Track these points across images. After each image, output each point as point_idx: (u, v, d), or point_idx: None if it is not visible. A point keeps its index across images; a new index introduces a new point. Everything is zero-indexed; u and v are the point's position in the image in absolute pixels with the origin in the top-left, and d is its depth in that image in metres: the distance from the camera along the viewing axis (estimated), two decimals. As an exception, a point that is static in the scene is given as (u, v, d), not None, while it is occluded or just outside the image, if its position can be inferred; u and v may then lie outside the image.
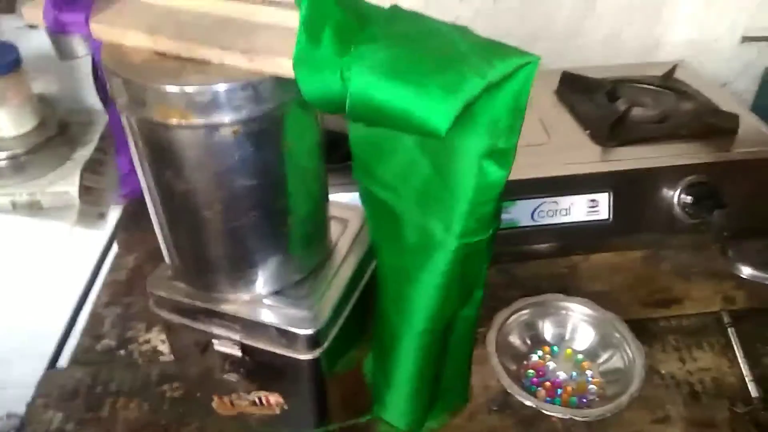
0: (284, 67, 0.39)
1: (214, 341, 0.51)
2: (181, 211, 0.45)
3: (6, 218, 0.94)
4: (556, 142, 0.84)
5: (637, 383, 0.66)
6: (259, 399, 0.54)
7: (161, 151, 0.42)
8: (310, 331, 0.48)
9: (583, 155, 0.83)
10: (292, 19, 0.41)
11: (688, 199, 0.75)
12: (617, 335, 0.73)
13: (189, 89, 0.38)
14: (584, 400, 0.69)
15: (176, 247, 0.49)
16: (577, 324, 0.76)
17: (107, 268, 0.91)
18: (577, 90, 0.95)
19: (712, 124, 0.83)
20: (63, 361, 0.80)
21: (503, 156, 0.41)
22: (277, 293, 0.50)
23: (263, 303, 0.49)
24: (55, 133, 0.93)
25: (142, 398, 0.72)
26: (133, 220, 0.96)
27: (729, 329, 0.76)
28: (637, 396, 0.66)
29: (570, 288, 0.81)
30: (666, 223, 0.80)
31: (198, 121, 0.39)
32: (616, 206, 0.78)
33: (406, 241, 0.48)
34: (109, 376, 0.74)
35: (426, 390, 0.53)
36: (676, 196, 0.77)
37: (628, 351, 0.71)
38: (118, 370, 0.75)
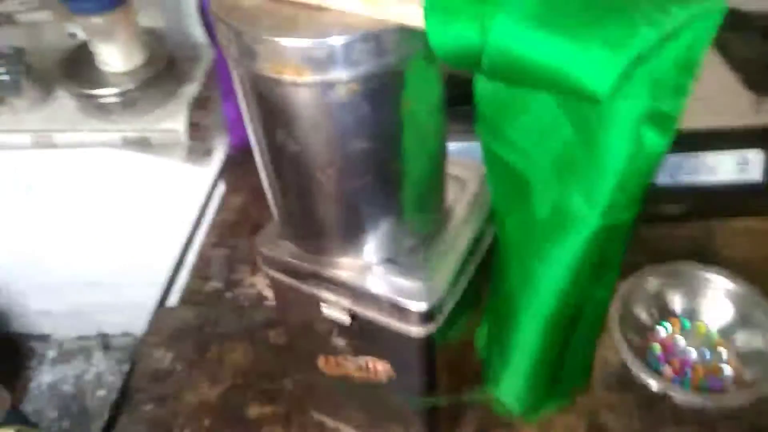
0: (411, 15, 0.33)
1: (322, 305, 0.48)
2: (291, 172, 0.41)
3: (117, 153, 0.96)
4: (701, 89, 0.74)
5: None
6: (367, 364, 0.52)
7: (272, 108, 0.38)
8: (422, 306, 0.44)
9: (733, 105, 0.72)
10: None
11: None
12: (760, 312, 0.64)
13: (304, 42, 0.33)
14: (717, 384, 0.63)
15: (286, 208, 0.46)
16: (713, 297, 0.68)
17: (214, 206, 0.91)
18: (727, 27, 0.82)
19: None
20: (173, 299, 0.82)
21: (666, 121, 0.34)
22: (389, 260, 0.46)
23: (374, 271, 0.46)
24: (163, 68, 0.93)
25: (248, 342, 0.72)
26: (239, 159, 0.96)
27: None
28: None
29: (706, 256, 0.73)
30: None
31: (313, 77, 0.35)
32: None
33: (536, 214, 0.42)
34: (215, 318, 0.75)
35: (547, 374, 0.49)
36: None
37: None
38: (225, 313, 0.76)
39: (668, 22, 0.30)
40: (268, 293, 0.77)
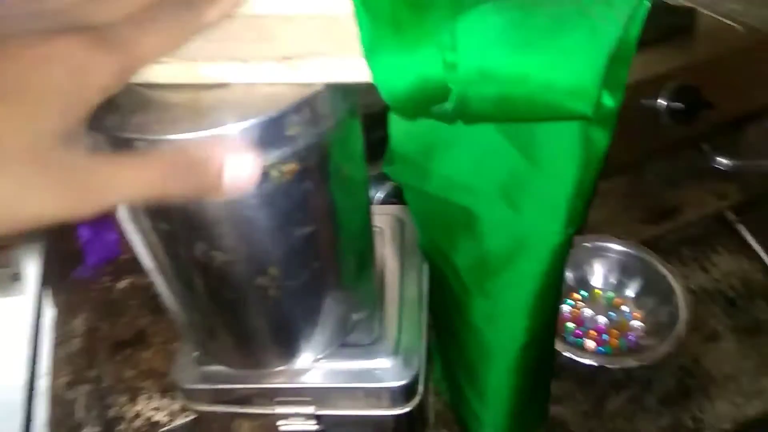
0: (343, 69, 0.28)
1: (279, 422, 0.40)
2: (220, 288, 0.34)
3: None
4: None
5: (685, 308, 0.64)
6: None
7: (185, 221, 0.30)
8: (404, 383, 0.39)
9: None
10: (308, 1, 0.30)
11: (677, 104, 0.71)
12: (636, 261, 0.69)
13: (228, 130, 0.27)
14: (632, 338, 0.66)
15: (213, 330, 0.37)
16: (594, 261, 0.72)
17: (49, 339, 0.75)
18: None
19: (671, 25, 0.79)
20: (36, 466, 0.66)
21: (609, 117, 0.33)
22: (344, 346, 0.40)
23: (336, 363, 0.40)
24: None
25: (156, 484, 0.60)
26: (63, 274, 0.80)
27: (738, 226, 0.75)
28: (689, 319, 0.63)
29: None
30: (650, 135, 0.77)
31: (243, 169, 0.28)
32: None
33: (489, 244, 0.40)
34: (107, 471, 0.62)
35: (526, 401, 0.47)
36: (661, 104, 0.73)
37: (658, 274, 0.68)
38: (116, 460, 0.62)
39: (620, 16, 0.29)
40: (160, 416, 0.65)
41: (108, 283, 0.78)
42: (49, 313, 0.78)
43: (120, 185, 0.25)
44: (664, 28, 0.79)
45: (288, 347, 0.38)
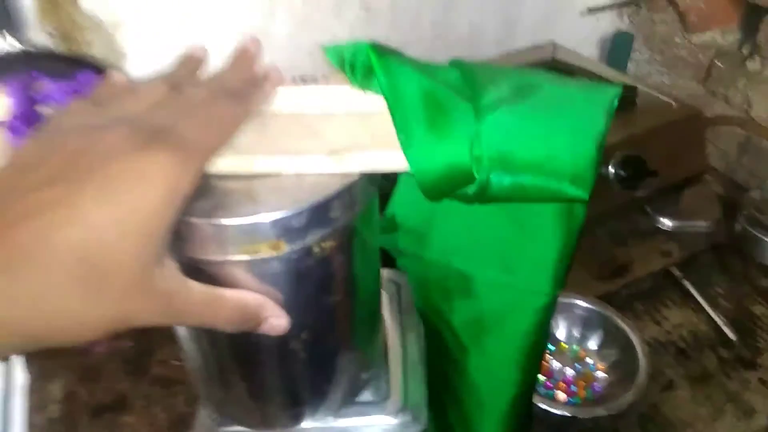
0: (381, 160, 0.33)
1: (297, 479, 0.43)
2: (254, 351, 0.37)
3: None
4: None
5: (643, 359, 0.69)
6: None
7: (230, 291, 0.33)
8: (414, 436, 0.42)
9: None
10: (346, 100, 0.35)
11: (623, 173, 0.79)
12: (596, 316, 0.75)
13: (281, 214, 0.30)
14: (597, 388, 0.71)
15: (237, 391, 0.40)
16: (558, 317, 0.77)
17: (21, 406, 0.74)
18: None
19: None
20: None
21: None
22: (355, 404, 0.43)
23: (349, 420, 0.43)
24: None
25: None
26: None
27: (683, 281, 0.83)
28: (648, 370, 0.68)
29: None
30: (600, 199, 0.84)
31: (291, 247, 0.32)
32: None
33: (484, 304, 0.45)
34: None
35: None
36: (610, 172, 0.81)
37: (617, 328, 0.74)
38: None
39: (601, 114, 0.35)
40: (146, 482, 0.65)
41: (84, 346, 0.78)
42: (20, 380, 0.77)
43: (200, 314, 0.29)
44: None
45: (306, 406, 0.41)
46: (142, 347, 0.77)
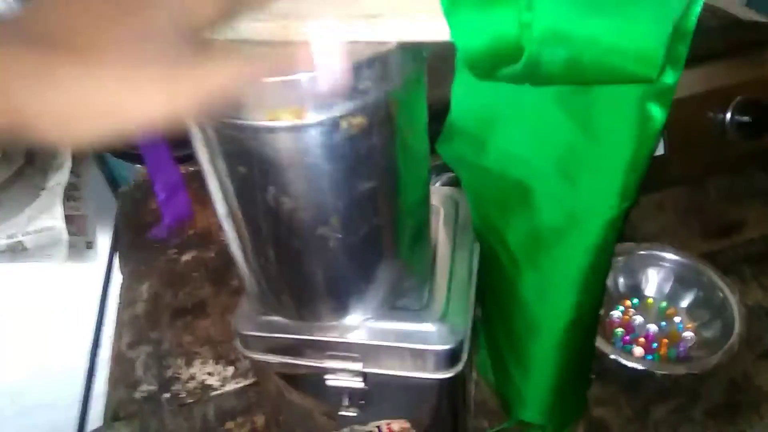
0: (421, 29, 0.30)
1: (327, 376, 0.42)
2: (286, 234, 0.36)
3: (-13, 268, 0.81)
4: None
5: (739, 321, 0.62)
6: (378, 428, 0.47)
7: (259, 164, 0.33)
8: (448, 347, 0.40)
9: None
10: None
11: (745, 119, 0.70)
12: (692, 273, 0.69)
13: (304, 77, 0.29)
14: (682, 349, 0.65)
15: (275, 277, 0.40)
16: (649, 270, 0.71)
17: (115, 303, 0.80)
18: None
19: (743, 39, 0.78)
20: (94, 420, 0.70)
21: (666, 93, 0.34)
22: (394, 308, 0.42)
23: (386, 324, 0.41)
24: (23, 162, 0.80)
25: (205, 443, 0.63)
26: (134, 243, 0.85)
27: (802, 247, 0.73)
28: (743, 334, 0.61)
29: (628, 233, 0.76)
30: (715, 149, 0.76)
31: (316, 117, 0.30)
32: (672, 139, 0.73)
33: (543, 220, 0.41)
34: (158, 428, 0.65)
35: (570, 384, 0.47)
36: (728, 117, 0.72)
37: (714, 287, 0.67)
38: (168, 418, 0.66)
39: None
40: (213, 380, 0.68)
41: (174, 255, 0.83)
42: (118, 280, 0.83)
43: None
44: (734, 41, 0.78)
45: (342, 302, 0.41)
46: (227, 259, 0.80)
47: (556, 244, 0.41)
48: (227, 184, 0.35)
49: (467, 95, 0.39)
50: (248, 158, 0.33)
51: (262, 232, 0.37)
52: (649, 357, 0.64)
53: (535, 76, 0.31)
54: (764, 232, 0.76)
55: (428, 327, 0.41)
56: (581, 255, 0.40)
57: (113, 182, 0.98)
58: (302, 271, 0.39)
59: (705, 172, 0.79)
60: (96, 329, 0.78)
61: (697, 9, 0.31)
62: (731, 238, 0.76)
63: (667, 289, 0.70)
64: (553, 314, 0.43)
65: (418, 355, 0.40)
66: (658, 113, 0.35)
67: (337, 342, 0.41)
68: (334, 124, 0.31)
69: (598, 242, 0.39)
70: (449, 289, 0.44)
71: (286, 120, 0.30)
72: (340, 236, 0.36)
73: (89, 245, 0.90)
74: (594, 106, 0.36)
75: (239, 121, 0.31)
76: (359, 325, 0.41)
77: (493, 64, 0.31)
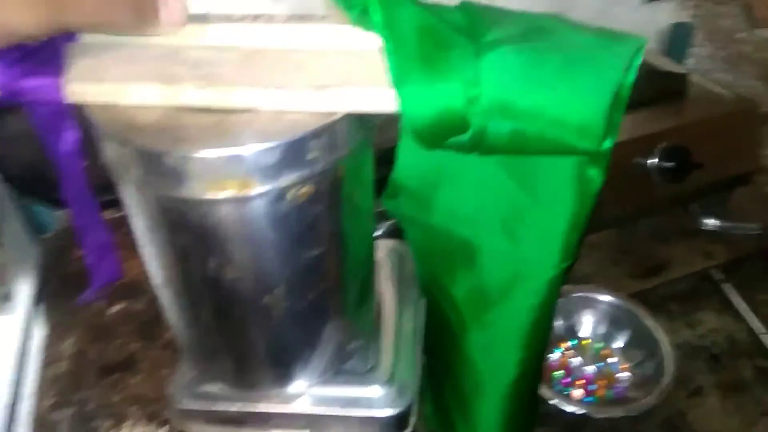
0: (370, 99, 0.30)
1: (272, 446, 0.41)
2: (228, 304, 0.35)
3: None
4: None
5: (670, 361, 0.64)
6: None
7: (202, 236, 0.31)
8: (397, 411, 0.40)
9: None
10: (340, 38, 0.33)
11: (669, 164, 0.74)
12: (624, 314, 0.71)
13: (251, 149, 0.28)
14: (619, 390, 0.67)
15: (215, 346, 0.38)
16: (584, 312, 0.73)
17: (36, 360, 0.75)
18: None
19: (663, 88, 0.83)
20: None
21: (604, 157, 0.35)
22: (340, 373, 0.41)
23: (331, 389, 0.40)
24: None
25: None
26: (57, 294, 0.80)
27: (723, 285, 0.77)
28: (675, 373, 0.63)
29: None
30: (642, 192, 0.79)
31: (262, 188, 0.29)
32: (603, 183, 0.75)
33: (488, 277, 0.41)
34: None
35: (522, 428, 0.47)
36: (652, 163, 0.76)
37: (645, 327, 0.69)
38: (96, 485, 0.61)
39: (618, 64, 0.31)
40: (144, 443, 0.64)
41: (101, 306, 0.79)
42: (39, 334, 0.78)
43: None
44: (658, 91, 0.82)
45: (286, 370, 0.39)
46: (156, 311, 0.76)
47: (501, 302, 0.41)
48: (165, 253, 0.33)
49: (412, 157, 0.39)
50: (190, 229, 0.31)
51: (202, 302, 0.35)
52: (588, 399, 0.66)
53: (480, 147, 0.32)
54: (689, 271, 0.80)
55: (376, 391, 0.40)
56: (525, 313, 0.41)
57: (35, 229, 0.93)
58: (245, 340, 0.37)
59: (634, 214, 0.82)
60: (14, 389, 0.72)
61: (632, 78, 0.33)
62: (659, 276, 0.79)
63: (602, 330, 0.72)
64: (499, 371, 0.44)
65: (367, 422, 0.39)
66: (596, 175, 0.36)
67: (282, 413, 0.40)
68: (280, 195, 0.30)
69: (542, 300, 0.40)
70: (396, 349, 0.43)
71: (230, 192, 0.29)
72: (285, 304, 0.35)
73: (7, 296, 0.84)
74: (535, 168, 0.37)
75: (180, 195, 0.29)
76: (304, 392, 0.40)
77: (440, 136, 0.31)
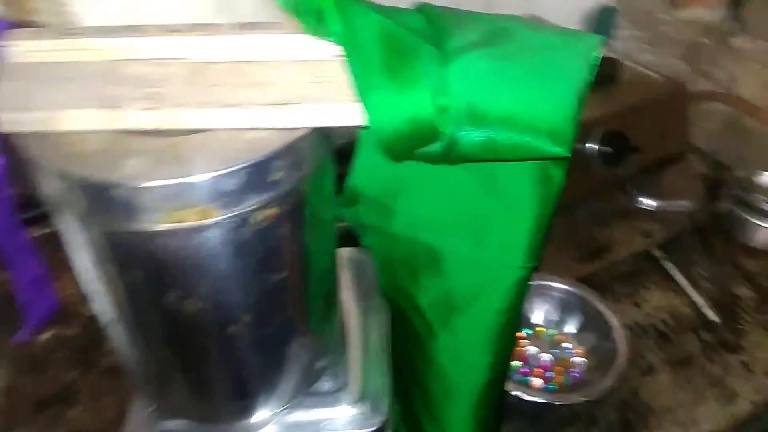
0: (335, 114, 0.28)
1: (243, 477, 0.38)
2: (190, 337, 0.32)
3: None
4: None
5: (623, 342, 0.66)
6: None
7: (160, 268, 0.29)
8: (372, 429, 0.38)
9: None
10: (294, 47, 0.30)
11: (607, 149, 0.75)
12: (574, 299, 0.72)
13: (210, 176, 0.26)
14: (575, 374, 0.68)
15: (176, 380, 0.35)
16: (534, 299, 0.74)
17: (-40, 398, 0.69)
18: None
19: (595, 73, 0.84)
20: None
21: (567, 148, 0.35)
22: (308, 395, 0.39)
23: (301, 414, 0.38)
24: None
25: None
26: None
27: (665, 263, 0.79)
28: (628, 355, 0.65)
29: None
30: (581, 178, 0.81)
31: (223, 215, 0.27)
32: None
33: (454, 281, 0.40)
34: None
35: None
36: (591, 149, 0.77)
37: (593, 308, 0.70)
38: None
39: (581, 65, 0.31)
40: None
41: (30, 335, 0.73)
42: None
43: None
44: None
45: (252, 399, 0.37)
46: (92, 336, 0.71)
47: (468, 307, 0.40)
48: (117, 289, 0.30)
49: (371, 164, 0.38)
50: (144, 263, 0.28)
51: (161, 337, 0.33)
52: (548, 387, 0.66)
53: (450, 157, 0.31)
54: (630, 251, 0.82)
55: (348, 411, 0.38)
56: (493, 316, 0.40)
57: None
58: (208, 373, 0.34)
59: (575, 199, 0.83)
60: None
61: (590, 76, 0.32)
62: (603, 260, 0.81)
63: (554, 316, 0.73)
64: (469, 376, 0.43)
65: (341, 444, 0.38)
66: (557, 174, 0.36)
67: (253, 442, 0.37)
68: (243, 220, 0.28)
69: (509, 303, 0.39)
70: (365, 362, 0.41)
71: (190, 221, 0.27)
72: (251, 332, 0.32)
73: None
74: (498, 171, 0.36)
75: (132, 228, 0.26)
76: (273, 419, 0.38)
77: (409, 147, 0.30)
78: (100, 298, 0.32)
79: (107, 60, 0.30)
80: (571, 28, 0.35)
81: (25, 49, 0.30)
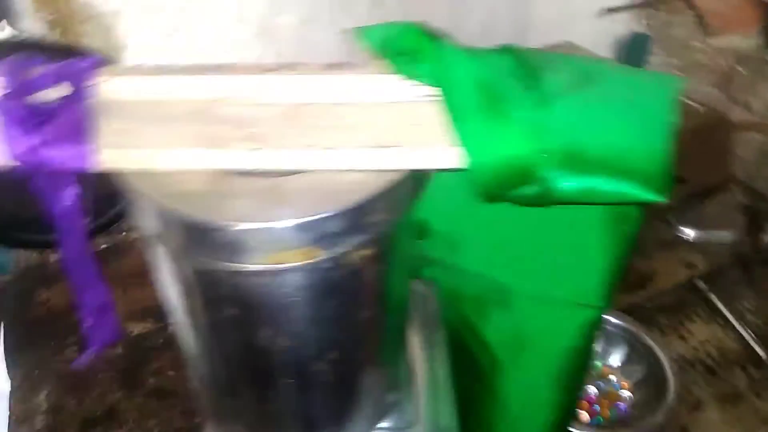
0: (432, 157, 0.28)
1: None
2: (271, 372, 0.32)
3: None
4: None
5: (672, 377, 0.65)
6: None
7: (254, 306, 0.29)
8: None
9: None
10: (384, 89, 0.31)
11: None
12: (619, 331, 0.71)
13: (317, 218, 0.26)
14: (622, 408, 0.67)
15: (250, 413, 0.35)
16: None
17: (3, 418, 0.69)
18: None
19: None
20: None
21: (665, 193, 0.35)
22: (380, 430, 0.39)
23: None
24: None
25: None
26: (23, 343, 0.74)
27: (710, 295, 0.78)
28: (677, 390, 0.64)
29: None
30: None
31: (324, 255, 0.27)
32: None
33: (522, 319, 0.41)
34: None
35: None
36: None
37: (639, 340, 0.69)
38: None
39: (666, 105, 0.31)
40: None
41: (74, 354, 0.73)
42: (5, 387, 0.72)
43: None
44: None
45: (331, 429, 0.37)
46: (136, 357, 0.72)
47: (537, 344, 0.40)
48: (208, 324, 0.30)
49: (440, 196, 0.38)
50: (241, 300, 0.28)
51: (243, 371, 0.33)
52: (594, 421, 0.65)
53: (545, 199, 0.30)
54: (673, 282, 0.81)
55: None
56: (563, 355, 0.40)
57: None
58: (285, 406, 0.34)
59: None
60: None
61: (676, 121, 0.32)
62: (646, 289, 0.80)
63: (598, 348, 0.72)
64: (535, 414, 0.43)
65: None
66: (634, 213, 0.36)
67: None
68: (340, 260, 0.28)
69: (580, 342, 0.39)
70: (433, 398, 0.41)
71: (290, 262, 0.27)
72: (332, 369, 0.32)
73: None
74: (574, 212, 0.36)
75: (234, 267, 0.27)
76: (346, 455, 0.38)
77: (505, 188, 0.30)
78: (187, 330, 0.32)
79: (201, 99, 0.30)
80: (651, 70, 0.35)
81: (118, 86, 0.30)
